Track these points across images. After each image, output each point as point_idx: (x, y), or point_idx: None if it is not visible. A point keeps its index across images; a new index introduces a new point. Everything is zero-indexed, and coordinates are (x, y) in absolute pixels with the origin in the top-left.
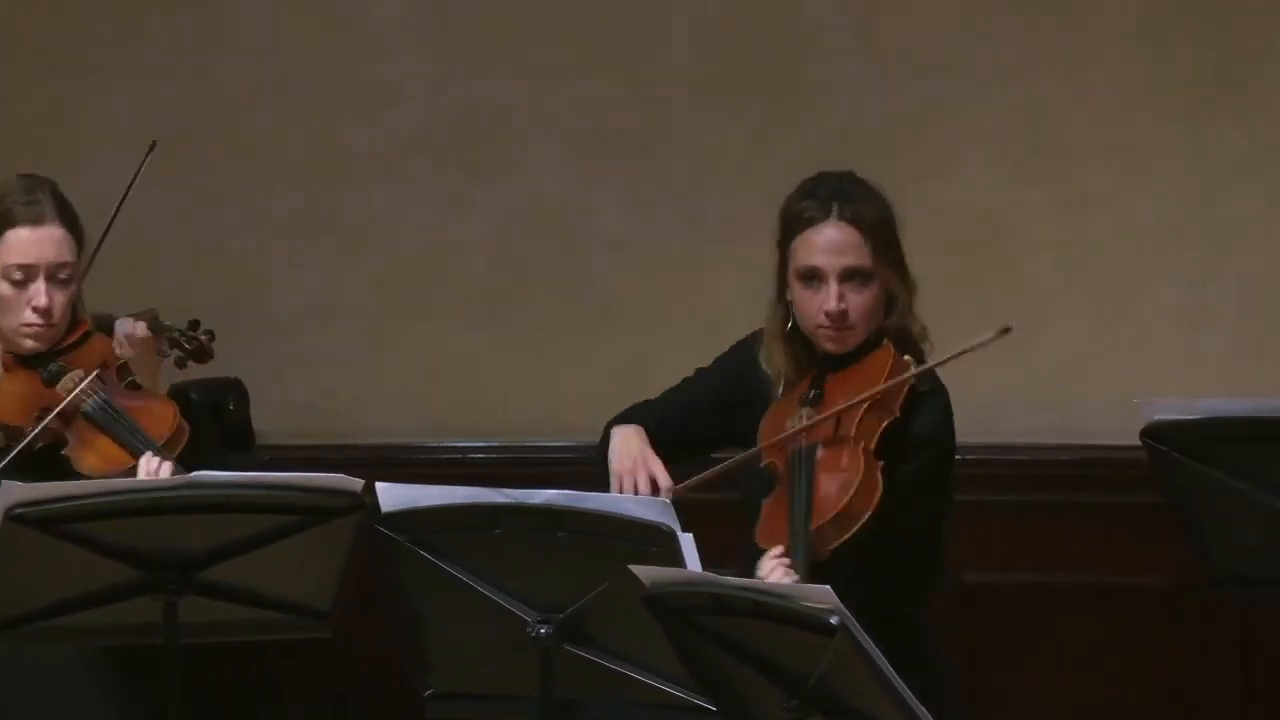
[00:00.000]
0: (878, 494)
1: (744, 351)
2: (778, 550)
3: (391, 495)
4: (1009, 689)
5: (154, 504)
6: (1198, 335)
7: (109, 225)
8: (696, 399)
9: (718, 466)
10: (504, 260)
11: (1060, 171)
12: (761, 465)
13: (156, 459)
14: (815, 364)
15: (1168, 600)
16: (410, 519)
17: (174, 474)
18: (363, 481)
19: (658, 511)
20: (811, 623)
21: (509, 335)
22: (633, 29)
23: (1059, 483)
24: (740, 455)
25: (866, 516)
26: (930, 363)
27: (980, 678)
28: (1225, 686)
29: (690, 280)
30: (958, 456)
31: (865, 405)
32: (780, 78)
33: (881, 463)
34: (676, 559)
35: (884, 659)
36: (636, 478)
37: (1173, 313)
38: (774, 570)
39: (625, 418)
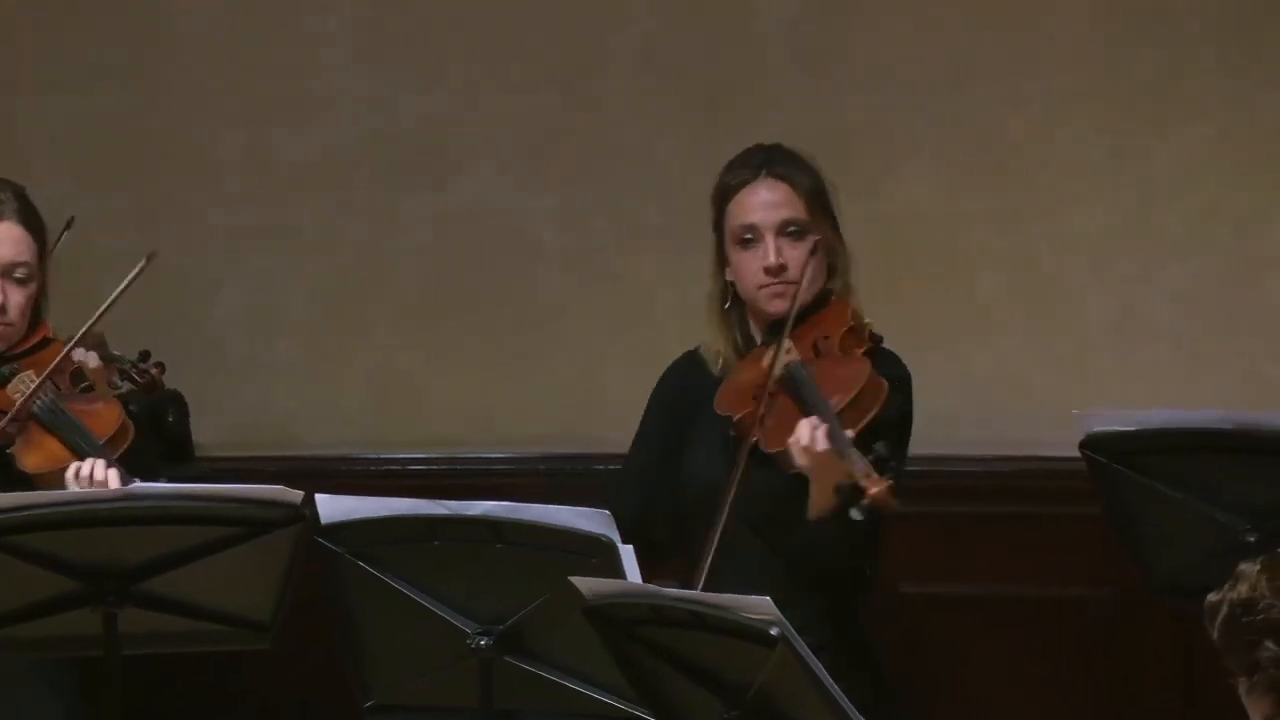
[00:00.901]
0: (885, 388)
1: (687, 362)
2: (806, 424)
3: (331, 507)
4: (948, 701)
5: (91, 516)
6: (1135, 347)
7: (94, 320)
8: (657, 445)
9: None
10: (443, 272)
11: (999, 184)
12: (735, 422)
13: (89, 464)
14: (753, 346)
15: (1107, 611)
16: (349, 530)
17: (114, 474)
18: (302, 493)
19: (597, 523)
20: (752, 634)
21: (448, 347)
22: (573, 41)
23: (998, 494)
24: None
25: (880, 405)
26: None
27: (919, 690)
28: (1164, 697)
29: (629, 292)
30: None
31: (841, 333)
32: (720, 90)
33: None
34: (616, 570)
35: (824, 670)
36: None
37: (1110, 324)
38: (815, 431)
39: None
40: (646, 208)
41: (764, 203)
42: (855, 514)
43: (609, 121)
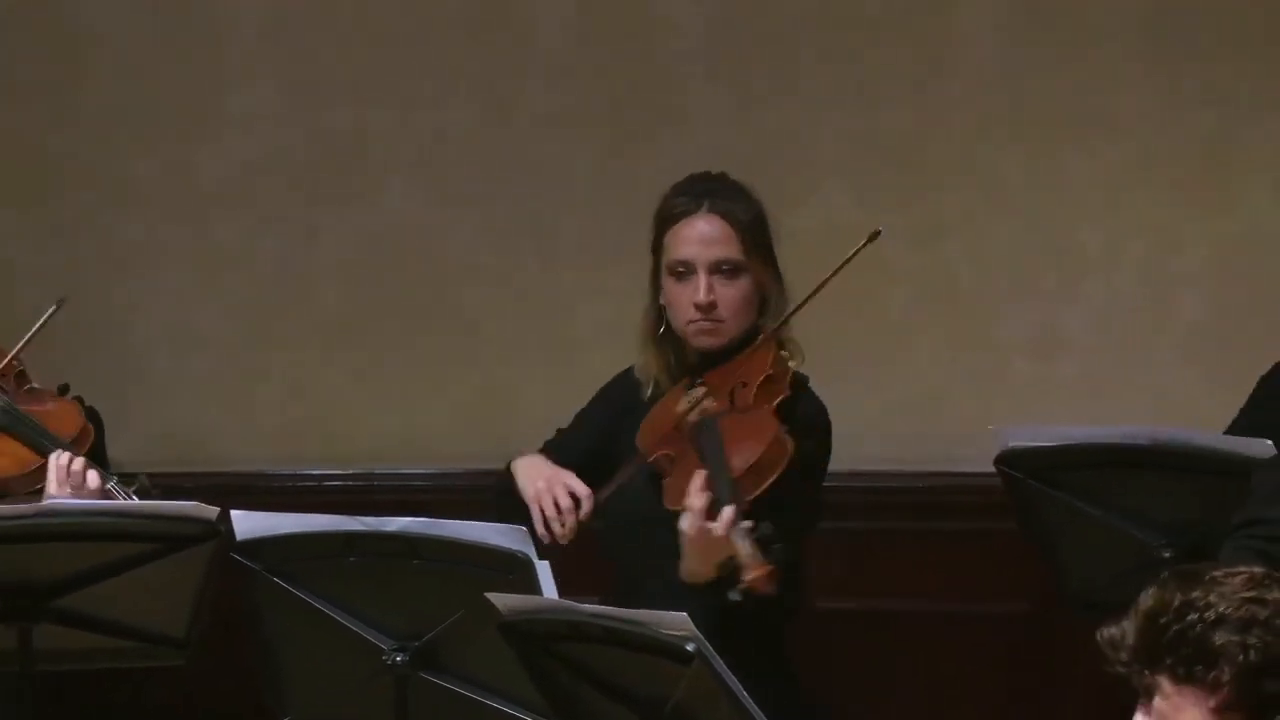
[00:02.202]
0: (790, 450)
1: (625, 381)
2: (700, 494)
3: (247, 523)
4: (864, 717)
5: (5, 533)
6: (1052, 363)
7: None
8: (582, 448)
9: (622, 473)
10: (360, 288)
11: (916, 199)
12: (649, 462)
13: (66, 454)
14: (689, 370)
15: (1025, 626)
16: (265, 546)
17: (86, 469)
18: (217, 509)
19: (514, 539)
20: (668, 649)
21: (365, 362)
22: (488, 57)
23: (915, 510)
24: (629, 462)
25: (782, 468)
26: (797, 304)
27: (838, 706)
28: (1079, 713)
29: (547, 307)
30: None
31: (759, 381)
32: (637, 105)
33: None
34: (533, 586)
35: (740, 686)
36: (555, 494)
37: (1026, 340)
38: (701, 505)
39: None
40: (565, 223)
41: (701, 237)
42: (733, 595)
43: (525, 137)
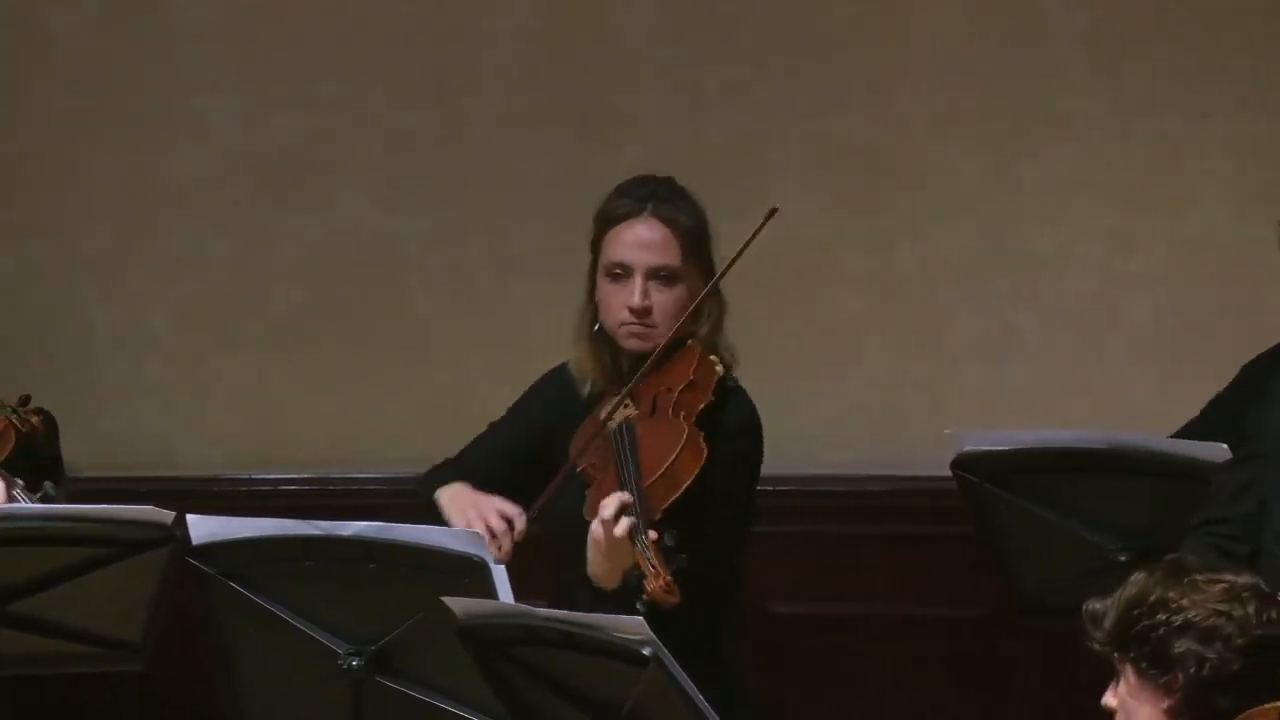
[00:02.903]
0: (703, 457)
1: (560, 377)
2: (611, 502)
3: (202, 527)
4: None
5: None
6: (1005, 367)
7: None
8: (515, 443)
9: (555, 481)
10: (314, 292)
11: (868, 203)
12: (578, 471)
13: None
14: (621, 372)
15: (979, 631)
16: (221, 551)
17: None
18: (173, 513)
19: (469, 543)
20: (624, 654)
21: (320, 367)
22: (441, 61)
23: (869, 514)
24: (559, 473)
25: (694, 476)
26: (741, 251)
27: (791, 710)
28: (1034, 717)
29: (501, 312)
30: (769, 487)
31: (680, 388)
32: (590, 110)
33: (703, 433)
34: (489, 590)
35: (696, 690)
36: (486, 519)
37: (980, 344)
38: (611, 502)
39: (436, 479)
40: (519, 228)
41: (640, 241)
42: (639, 605)
43: (480, 141)
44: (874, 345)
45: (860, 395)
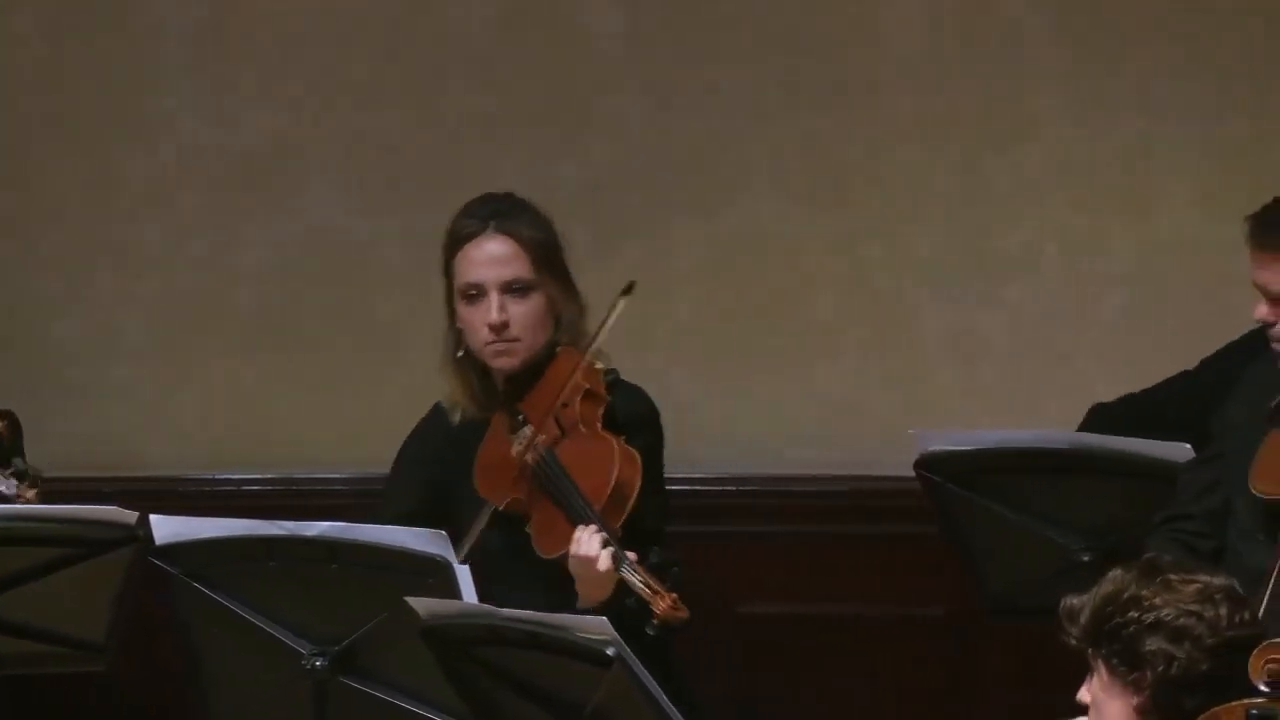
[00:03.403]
0: (639, 462)
1: (431, 424)
2: (593, 541)
3: (165, 528)
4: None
5: None
6: (972, 367)
7: None
8: (408, 509)
9: (476, 525)
10: (283, 293)
11: (837, 203)
12: (500, 510)
13: None
14: (496, 397)
15: (945, 630)
16: (185, 551)
17: None
18: (136, 514)
19: (433, 543)
20: (588, 654)
21: (287, 367)
22: (411, 61)
23: (835, 514)
24: (480, 514)
25: (640, 483)
26: (597, 332)
27: (756, 711)
28: (998, 716)
29: None
30: (734, 487)
31: (579, 399)
32: (559, 110)
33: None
34: (453, 591)
35: (660, 690)
36: None
37: (947, 344)
38: (590, 541)
39: None
40: None
41: (489, 258)
42: (650, 631)
43: (447, 142)
44: (841, 345)
45: (828, 395)
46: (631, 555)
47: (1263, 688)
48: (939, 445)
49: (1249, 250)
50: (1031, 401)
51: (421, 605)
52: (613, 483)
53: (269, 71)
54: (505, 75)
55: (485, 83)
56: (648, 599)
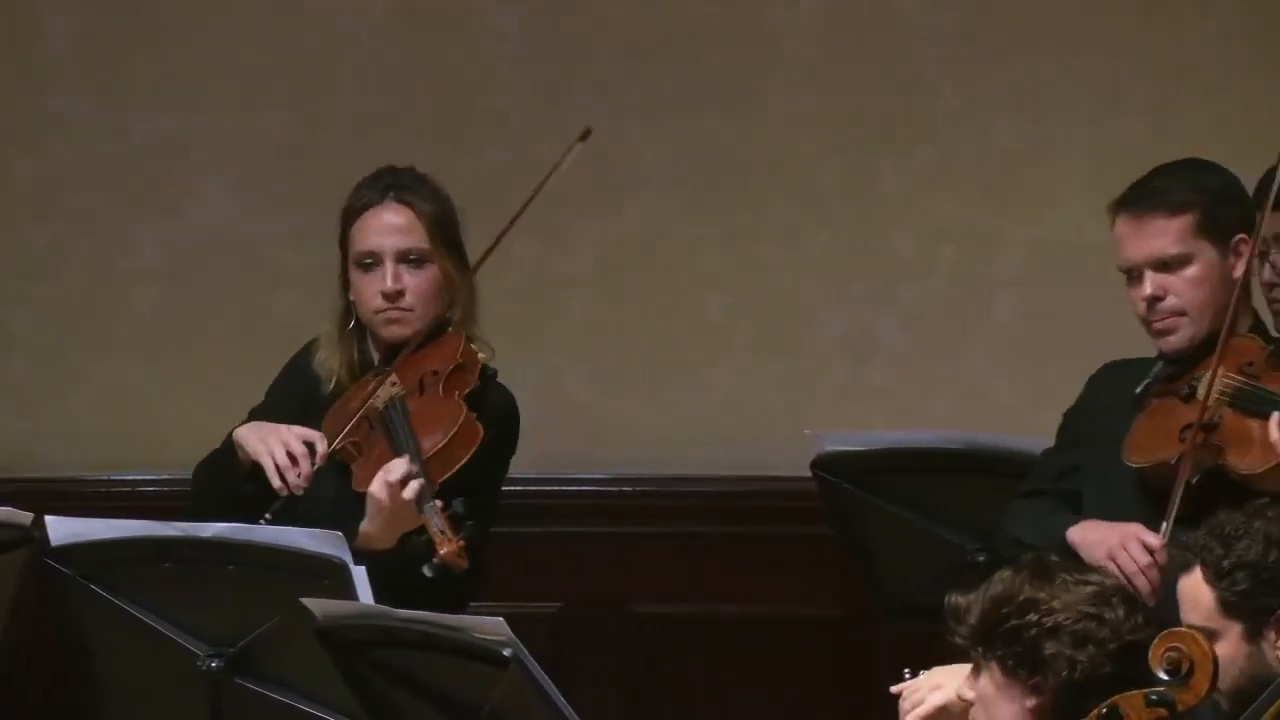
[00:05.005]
0: (479, 438)
1: (297, 364)
2: (397, 466)
3: (61, 528)
4: None
5: None
6: (865, 367)
7: None
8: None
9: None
10: (176, 293)
11: (729, 204)
12: (336, 450)
13: None
14: (370, 367)
15: (838, 630)
16: (80, 552)
17: None
18: (31, 515)
19: (329, 544)
20: (483, 654)
21: (181, 368)
22: (301, 61)
23: (729, 514)
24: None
25: (473, 451)
26: (550, 174)
27: (648, 709)
28: (892, 716)
29: None
30: (629, 488)
31: (449, 370)
32: (451, 110)
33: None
34: (349, 592)
35: (556, 690)
36: (287, 443)
37: (840, 345)
38: (401, 467)
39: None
40: None
41: (386, 227)
42: (427, 570)
43: (338, 141)
44: (734, 345)
45: (720, 395)
46: (437, 502)
47: (1163, 675)
48: (835, 445)
49: (1115, 234)
50: (924, 402)
51: (317, 606)
52: (446, 440)
53: (161, 71)
54: (396, 74)
55: (376, 82)
56: (436, 540)
